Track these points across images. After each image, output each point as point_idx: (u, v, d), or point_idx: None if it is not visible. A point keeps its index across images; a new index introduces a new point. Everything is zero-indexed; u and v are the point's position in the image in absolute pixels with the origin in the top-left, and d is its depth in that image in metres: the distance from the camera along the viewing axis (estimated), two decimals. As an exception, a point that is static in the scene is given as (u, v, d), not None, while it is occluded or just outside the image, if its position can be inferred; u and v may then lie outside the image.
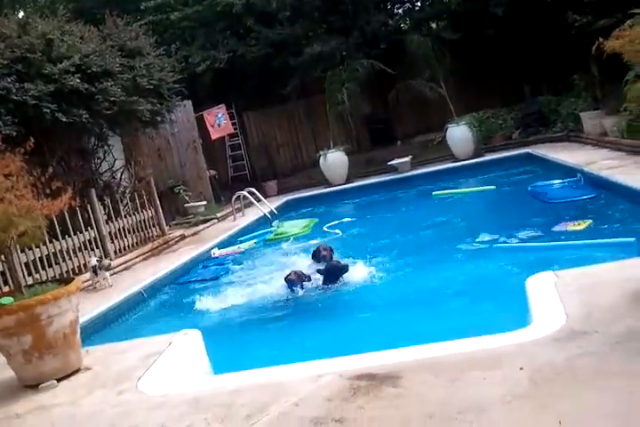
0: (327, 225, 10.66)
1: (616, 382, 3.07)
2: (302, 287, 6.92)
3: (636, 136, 9.97)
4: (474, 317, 5.18)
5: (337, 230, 10.25)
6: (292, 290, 6.88)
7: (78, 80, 9.03)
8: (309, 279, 7.02)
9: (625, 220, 7.26)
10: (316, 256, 7.84)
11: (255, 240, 10.86)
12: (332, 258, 7.58)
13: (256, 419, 3.46)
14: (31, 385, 4.75)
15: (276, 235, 11.01)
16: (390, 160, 15.08)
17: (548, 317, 4.02)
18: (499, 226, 8.30)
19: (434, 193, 12.11)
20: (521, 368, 3.41)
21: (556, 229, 7.34)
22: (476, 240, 7.54)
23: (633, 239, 5.88)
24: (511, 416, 2.97)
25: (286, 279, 6.99)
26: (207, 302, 7.04)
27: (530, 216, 8.54)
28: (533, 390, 3.17)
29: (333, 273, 6.95)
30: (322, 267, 7.18)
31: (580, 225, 7.22)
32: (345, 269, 6.98)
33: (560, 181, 10.11)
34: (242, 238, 11.23)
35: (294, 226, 11.41)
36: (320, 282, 7.00)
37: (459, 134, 14.62)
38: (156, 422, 3.68)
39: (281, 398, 3.64)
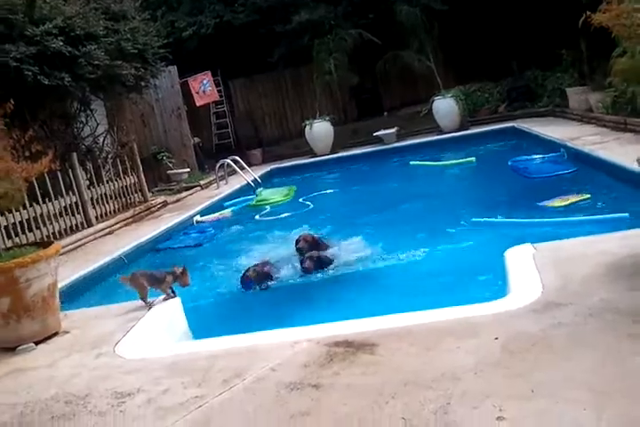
0: (303, 197, 10.66)
1: (588, 353, 3.12)
2: (263, 287, 6.04)
3: (620, 112, 10.00)
4: (453, 289, 5.23)
5: (309, 203, 10.24)
6: (249, 289, 6.03)
7: (61, 43, 8.86)
8: (271, 279, 6.15)
9: (608, 195, 7.27)
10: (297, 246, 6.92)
11: (232, 209, 10.85)
12: (310, 250, 6.64)
13: (233, 384, 3.49)
14: (9, 348, 4.75)
15: (258, 202, 11.02)
16: (376, 131, 15.03)
17: (524, 288, 4.06)
18: (478, 200, 8.34)
19: (411, 162, 12.12)
20: (496, 338, 3.45)
21: (546, 204, 7.26)
22: (456, 214, 7.56)
23: (626, 214, 5.85)
24: (484, 385, 3.01)
25: (243, 278, 6.08)
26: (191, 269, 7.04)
27: (509, 191, 8.57)
28: (507, 359, 3.22)
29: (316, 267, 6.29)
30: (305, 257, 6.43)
31: (569, 200, 7.20)
32: (326, 262, 6.34)
33: (541, 155, 10.13)
34: (227, 203, 11.23)
35: (274, 193, 11.45)
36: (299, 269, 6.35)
37: (445, 107, 14.60)
38: (133, 385, 3.70)
39: (258, 363, 3.67)
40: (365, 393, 3.12)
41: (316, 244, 6.81)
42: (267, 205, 10.74)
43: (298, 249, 6.74)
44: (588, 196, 7.16)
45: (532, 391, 2.86)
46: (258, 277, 6.04)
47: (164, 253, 8.48)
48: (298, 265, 6.42)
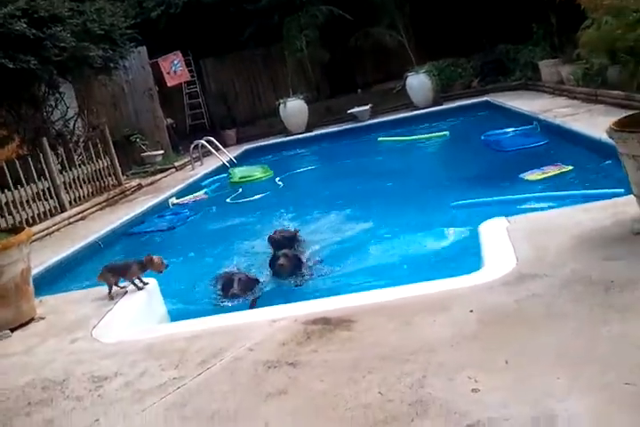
0: (278, 177, 10.60)
1: (562, 324, 3.16)
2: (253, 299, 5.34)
3: (591, 84, 10.05)
4: (429, 265, 5.25)
5: (280, 183, 10.27)
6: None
7: (25, 25, 8.67)
8: (256, 292, 5.45)
9: (586, 167, 7.27)
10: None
11: (206, 190, 10.80)
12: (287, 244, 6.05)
13: (211, 364, 3.48)
14: (-16, 336, 4.70)
15: (240, 178, 11.05)
16: (350, 109, 14.98)
17: (498, 261, 4.09)
18: (454, 174, 8.35)
19: (379, 139, 12.11)
20: (471, 311, 3.48)
21: (525, 177, 7.25)
22: (434, 190, 7.56)
23: (622, 190, 5.72)
24: (460, 357, 3.04)
25: (231, 295, 5.35)
26: (165, 253, 6.99)
27: (485, 165, 8.60)
28: (482, 331, 3.25)
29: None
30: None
31: (549, 173, 7.18)
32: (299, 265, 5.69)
33: (513, 129, 10.16)
34: (204, 183, 11.18)
35: (247, 171, 11.48)
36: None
37: (418, 83, 14.58)
38: (110, 369, 3.69)
39: (236, 343, 3.67)
40: (342, 369, 3.14)
41: (294, 239, 6.18)
42: (249, 181, 10.79)
43: (274, 242, 6.11)
44: (571, 168, 7.15)
45: (507, 363, 2.90)
46: (242, 291, 5.36)
47: (137, 238, 8.41)
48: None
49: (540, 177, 7.11)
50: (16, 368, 3.96)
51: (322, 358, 3.31)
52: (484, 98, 13.78)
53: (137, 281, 4.90)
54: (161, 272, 4.94)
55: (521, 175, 7.26)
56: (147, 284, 4.92)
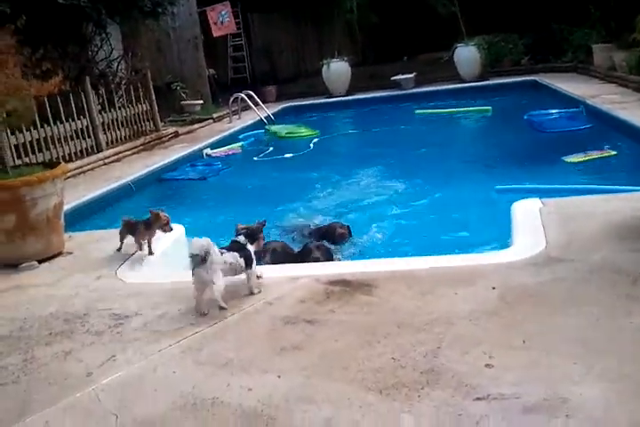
0: (313, 140, 10.53)
1: (584, 310, 3.14)
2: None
3: (645, 73, 9.78)
4: (458, 239, 5.23)
5: (311, 144, 10.19)
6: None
7: (78, -39, 8.63)
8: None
9: (630, 155, 7.11)
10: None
11: (241, 143, 10.81)
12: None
13: (229, 314, 3.53)
14: (12, 265, 4.81)
15: (288, 133, 11.16)
16: (394, 75, 14.77)
17: (528, 241, 4.06)
18: (495, 152, 8.22)
19: (417, 111, 11.93)
20: (493, 288, 3.47)
21: (566, 159, 7.06)
22: (473, 168, 7.42)
23: None
24: (477, 332, 3.04)
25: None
26: (194, 202, 7.06)
27: (527, 145, 8.45)
28: (503, 309, 3.24)
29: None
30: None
31: (591, 156, 7.05)
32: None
33: (557, 110, 9.96)
34: (240, 137, 11.33)
35: (288, 128, 11.55)
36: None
37: (467, 55, 14.29)
38: (130, 308, 3.76)
39: (256, 296, 3.71)
40: (358, 332, 3.17)
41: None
42: (295, 137, 10.88)
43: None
44: (615, 153, 7.01)
45: (524, 342, 2.90)
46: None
47: (167, 184, 8.48)
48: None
49: (581, 159, 7.00)
50: (40, 299, 4.05)
51: (339, 319, 3.34)
52: (533, 77, 13.48)
53: (145, 245, 4.63)
54: (167, 231, 4.59)
55: (563, 158, 7.13)
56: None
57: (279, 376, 2.83)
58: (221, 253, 3.64)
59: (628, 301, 3.17)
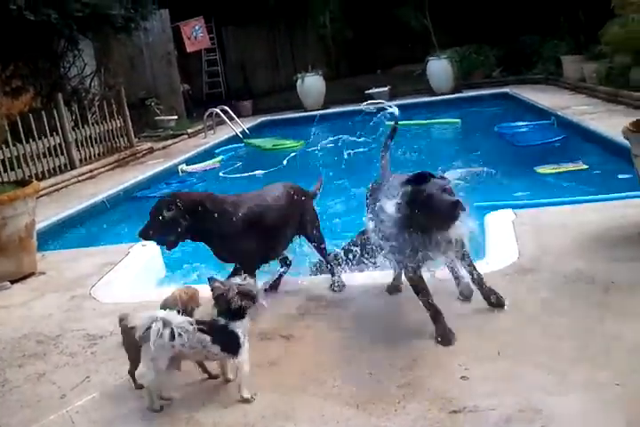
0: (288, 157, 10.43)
1: (557, 321, 3.16)
2: None
3: (613, 84, 9.94)
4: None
5: (285, 161, 10.07)
6: None
7: (48, -22, 8.59)
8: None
9: (602, 166, 7.16)
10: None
11: (220, 157, 10.78)
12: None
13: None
14: (-17, 285, 4.75)
15: (274, 145, 11.20)
16: (368, 89, 14.87)
17: (500, 252, 4.09)
18: (466, 163, 8.26)
19: (386, 123, 11.95)
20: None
21: (538, 169, 7.13)
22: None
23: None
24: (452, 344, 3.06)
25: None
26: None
27: (497, 156, 8.49)
28: (477, 320, 3.26)
29: None
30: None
31: (563, 168, 7.10)
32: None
33: (527, 123, 10.07)
34: (217, 152, 11.32)
35: (271, 141, 11.61)
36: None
37: (439, 68, 14.42)
38: (105, 328, 3.72)
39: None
40: (335, 347, 3.17)
41: None
42: (280, 149, 10.89)
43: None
44: (586, 167, 7.06)
45: (499, 354, 2.91)
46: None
47: (140, 202, 8.39)
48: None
49: (553, 171, 7.07)
50: (13, 320, 4.00)
51: (314, 333, 3.34)
52: (504, 89, 13.64)
53: None
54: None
55: (535, 168, 7.20)
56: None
57: (255, 393, 2.82)
58: (182, 332, 2.65)
59: (601, 309, 3.21)
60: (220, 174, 9.58)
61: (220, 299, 2.77)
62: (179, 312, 2.90)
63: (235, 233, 3.56)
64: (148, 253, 4.92)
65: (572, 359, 2.80)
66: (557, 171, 7.07)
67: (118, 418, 2.82)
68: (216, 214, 3.53)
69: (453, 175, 3.21)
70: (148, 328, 2.62)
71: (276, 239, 3.80)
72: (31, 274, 4.93)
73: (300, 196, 3.96)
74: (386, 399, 2.66)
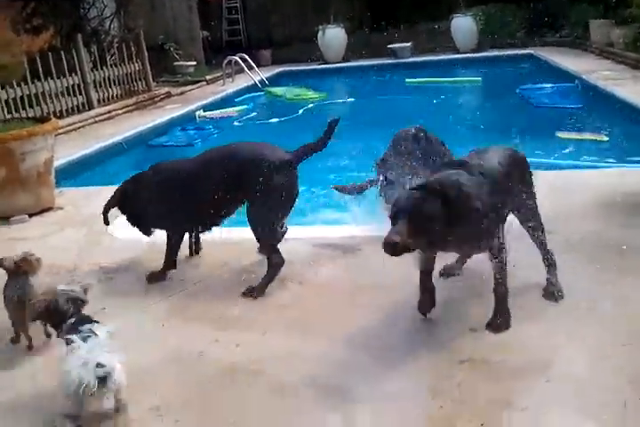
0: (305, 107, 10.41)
1: (567, 282, 3.17)
2: None
3: (641, 50, 9.75)
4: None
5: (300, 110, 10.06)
6: None
7: None
8: None
9: (624, 138, 7.09)
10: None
11: (245, 106, 10.72)
12: None
13: (218, 272, 3.58)
14: (3, 217, 4.83)
15: (295, 96, 11.13)
16: (391, 44, 14.66)
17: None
18: (487, 123, 8.19)
19: (407, 80, 11.85)
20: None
21: (560, 135, 7.00)
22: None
23: None
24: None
25: None
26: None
27: (519, 117, 8.40)
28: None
29: None
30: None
31: (584, 136, 6.94)
32: None
33: (551, 85, 9.92)
34: (237, 100, 11.23)
35: (293, 91, 11.56)
36: None
37: (464, 26, 14.16)
38: (120, 263, 3.81)
39: (245, 255, 3.75)
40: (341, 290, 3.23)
41: None
42: (301, 100, 10.84)
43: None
44: (607, 139, 6.94)
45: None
46: None
47: (155, 150, 8.42)
48: None
49: (574, 137, 6.98)
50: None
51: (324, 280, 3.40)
52: (529, 50, 13.41)
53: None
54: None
55: (556, 132, 7.11)
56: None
57: (264, 332, 2.89)
58: None
59: (610, 272, 3.22)
60: (235, 123, 9.55)
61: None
62: None
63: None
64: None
65: (580, 319, 2.84)
66: (578, 138, 6.98)
67: (129, 346, 2.89)
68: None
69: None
70: None
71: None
72: (49, 209, 5.00)
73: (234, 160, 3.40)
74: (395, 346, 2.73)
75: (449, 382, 2.46)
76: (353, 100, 11.25)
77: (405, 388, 2.46)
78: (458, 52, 14.31)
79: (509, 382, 2.44)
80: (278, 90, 11.88)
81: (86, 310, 3.20)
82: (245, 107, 10.64)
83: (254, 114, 10.14)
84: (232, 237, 4.01)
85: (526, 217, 3.20)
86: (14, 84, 7.93)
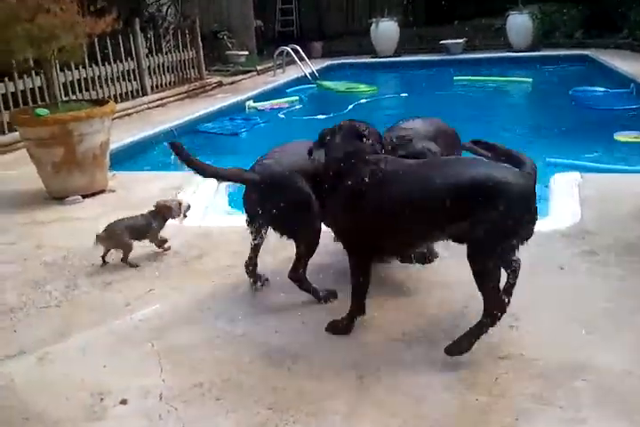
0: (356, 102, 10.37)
1: (610, 284, 3.18)
2: None
3: None
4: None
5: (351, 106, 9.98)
6: None
7: None
8: None
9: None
10: None
11: (297, 97, 10.79)
12: None
13: (264, 260, 3.64)
14: (58, 198, 4.99)
15: (347, 89, 11.31)
16: (443, 39, 14.57)
17: (563, 213, 4.09)
18: (539, 125, 8.10)
19: (455, 77, 11.75)
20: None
21: (617, 137, 6.87)
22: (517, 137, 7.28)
23: None
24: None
25: None
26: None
27: (573, 119, 8.27)
28: (529, 276, 3.29)
29: None
30: None
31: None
32: None
33: (604, 89, 9.76)
34: (289, 91, 11.37)
35: (344, 84, 11.73)
36: None
37: (519, 23, 13.96)
38: (171, 246, 3.90)
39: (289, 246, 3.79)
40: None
41: None
42: (353, 93, 11.03)
43: None
44: None
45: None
46: None
47: (202, 136, 8.55)
48: None
49: (633, 140, 6.84)
50: (84, 232, 4.16)
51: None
52: (584, 51, 13.16)
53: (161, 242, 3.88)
54: (182, 218, 3.93)
55: (615, 134, 6.98)
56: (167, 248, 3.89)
57: (304, 322, 2.95)
58: None
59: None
60: (280, 115, 9.61)
61: None
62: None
63: None
64: (214, 181, 5.02)
65: (620, 323, 2.84)
66: (637, 140, 6.84)
67: (175, 326, 3.01)
68: None
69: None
70: None
71: None
72: (102, 191, 5.14)
73: None
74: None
75: (487, 377, 2.49)
76: (407, 95, 11.22)
77: (444, 379, 2.51)
78: (511, 50, 14.13)
79: (547, 379, 2.46)
80: (330, 83, 11.94)
81: (135, 292, 3.35)
82: (296, 98, 10.71)
83: (299, 107, 10.22)
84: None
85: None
86: (72, 66, 8.14)
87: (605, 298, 3.06)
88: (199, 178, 4.66)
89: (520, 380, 2.47)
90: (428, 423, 2.27)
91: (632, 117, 8.04)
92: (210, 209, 4.73)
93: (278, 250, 3.44)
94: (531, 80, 11.23)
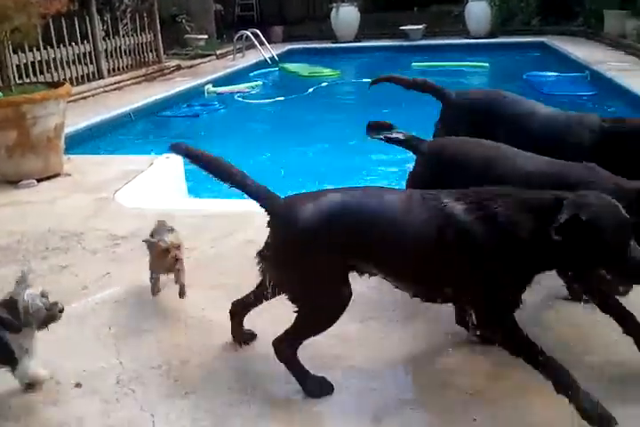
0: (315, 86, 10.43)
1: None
2: None
3: (655, 43, 9.72)
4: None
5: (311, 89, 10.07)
6: None
7: None
8: None
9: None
10: None
11: (260, 82, 10.74)
12: None
13: (221, 242, 3.65)
14: (12, 181, 4.90)
15: (311, 73, 11.35)
16: (403, 25, 14.61)
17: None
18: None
19: (413, 64, 11.81)
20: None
21: None
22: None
23: None
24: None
25: None
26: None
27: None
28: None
29: None
30: None
31: None
32: None
33: (557, 74, 9.92)
34: (252, 74, 11.43)
35: (307, 68, 11.80)
36: None
37: (478, 10, 14.07)
38: (127, 230, 3.87)
39: (247, 226, 3.80)
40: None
41: None
42: (317, 77, 11.06)
43: None
44: None
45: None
46: None
47: (161, 120, 8.47)
48: None
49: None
50: (38, 215, 4.15)
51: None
52: (541, 38, 13.35)
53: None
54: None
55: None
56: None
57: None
58: None
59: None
60: (239, 99, 9.57)
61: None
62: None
63: None
64: (172, 164, 5.01)
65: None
66: None
67: (132, 309, 3.01)
68: None
69: None
70: None
71: None
72: (57, 175, 5.07)
73: None
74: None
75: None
76: (368, 80, 11.19)
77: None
78: (470, 37, 14.26)
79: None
80: (293, 66, 11.91)
81: (91, 276, 3.32)
82: (259, 83, 10.65)
83: (257, 91, 10.19)
84: (237, 209, 4.08)
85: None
86: (26, 48, 7.97)
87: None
88: (156, 161, 4.68)
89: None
90: None
91: (584, 104, 8.19)
92: (169, 192, 4.71)
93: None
94: (487, 65, 11.36)
